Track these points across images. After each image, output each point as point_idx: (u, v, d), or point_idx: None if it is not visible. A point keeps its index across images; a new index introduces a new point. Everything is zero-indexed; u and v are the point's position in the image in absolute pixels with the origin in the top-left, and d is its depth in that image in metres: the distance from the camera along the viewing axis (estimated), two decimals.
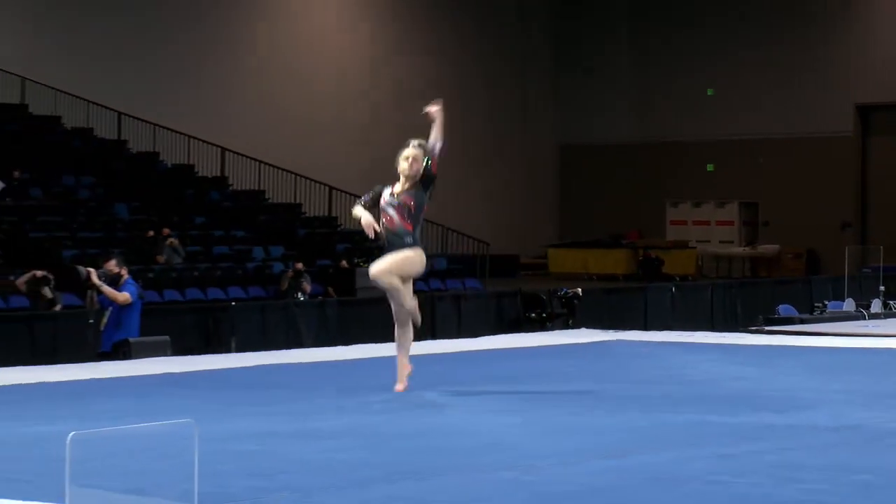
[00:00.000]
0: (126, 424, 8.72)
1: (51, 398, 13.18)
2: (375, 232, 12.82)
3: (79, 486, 6.28)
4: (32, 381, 14.40)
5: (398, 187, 12.99)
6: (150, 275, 25.99)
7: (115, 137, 35.49)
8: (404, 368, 12.88)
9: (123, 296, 19.64)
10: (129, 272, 20.16)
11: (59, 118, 35.20)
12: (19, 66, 35.31)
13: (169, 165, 35.13)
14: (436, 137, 12.95)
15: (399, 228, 12.78)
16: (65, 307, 23.69)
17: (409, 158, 12.97)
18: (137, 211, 31.19)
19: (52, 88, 35.26)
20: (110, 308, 19.84)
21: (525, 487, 8.49)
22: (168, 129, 35.68)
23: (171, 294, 26.77)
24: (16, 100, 35.39)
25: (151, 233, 29.08)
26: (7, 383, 14.23)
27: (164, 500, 7.07)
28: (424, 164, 12.89)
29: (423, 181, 12.93)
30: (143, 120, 35.71)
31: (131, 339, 19.39)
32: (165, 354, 18.87)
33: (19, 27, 36.95)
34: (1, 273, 25.29)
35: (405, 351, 12.91)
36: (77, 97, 35.23)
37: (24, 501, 7.81)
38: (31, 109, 35.33)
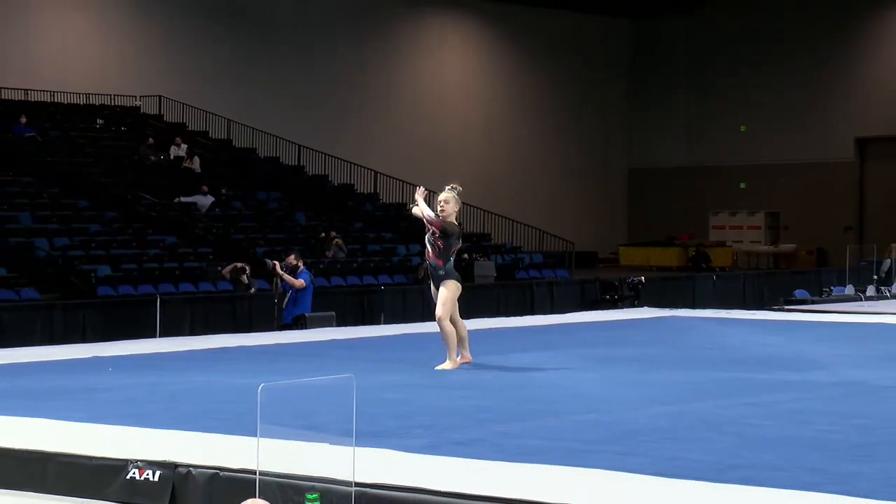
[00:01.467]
0: (302, 378, 8.77)
1: (247, 358, 13.28)
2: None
3: (267, 424, 6.32)
4: (234, 345, 14.53)
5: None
6: (321, 266, 26.11)
7: (296, 164, 35.72)
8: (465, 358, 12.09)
9: (299, 282, 19.74)
10: (305, 264, 20.27)
11: (254, 149, 35.49)
12: (226, 110, 35.67)
13: (335, 184, 35.29)
14: (425, 209, 12.14)
15: (433, 262, 12.08)
16: (257, 290, 23.87)
17: (440, 201, 12.14)
18: (312, 218, 31.36)
19: (250, 127, 35.56)
20: (290, 291, 19.96)
21: (602, 427, 8.44)
22: (335, 157, 35.86)
23: (336, 280, 26.88)
24: (223, 136, 35.73)
25: (322, 234, 29.22)
26: (216, 346, 14.36)
27: (330, 435, 7.09)
28: (440, 221, 11.92)
29: (443, 231, 12.01)
30: (316, 150, 35.91)
31: (306, 314, 19.50)
32: (331, 326, 18.95)
33: (226, 81, 37.31)
34: (211, 265, 25.52)
35: (464, 345, 12.14)
36: (268, 133, 35.51)
37: (229, 435, 7.87)
38: (234, 143, 35.66)
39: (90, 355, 13.34)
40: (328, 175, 35.64)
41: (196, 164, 31.74)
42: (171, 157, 32.11)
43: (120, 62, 36.00)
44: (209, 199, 29.77)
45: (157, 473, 7.10)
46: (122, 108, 35.14)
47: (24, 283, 22.63)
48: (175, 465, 7.09)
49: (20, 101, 32.57)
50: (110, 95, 35.05)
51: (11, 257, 23.47)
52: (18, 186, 27.99)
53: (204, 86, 36.61)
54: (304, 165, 35.87)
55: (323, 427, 7.21)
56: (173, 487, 7.05)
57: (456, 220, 12.37)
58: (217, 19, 37.83)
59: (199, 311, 22.11)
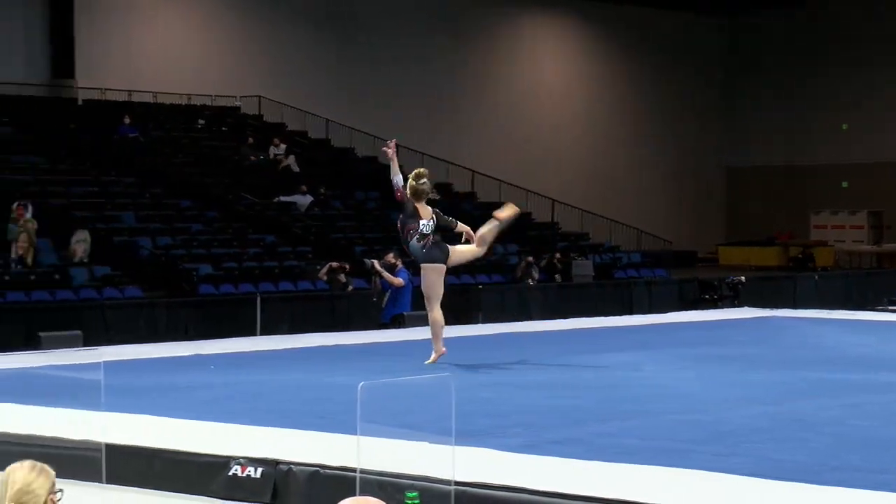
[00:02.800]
0: (400, 377, 8.85)
1: (346, 356, 13.39)
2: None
3: (366, 422, 6.39)
4: (332, 344, 14.66)
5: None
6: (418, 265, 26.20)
7: None
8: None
9: (398, 280, 19.84)
10: (403, 263, 20.38)
11: (353, 149, 35.71)
12: (325, 110, 35.93)
13: (433, 183, 35.41)
14: (394, 172, 12.21)
15: (408, 248, 12.30)
16: (355, 289, 24.03)
17: None
18: None
19: (348, 127, 35.79)
20: (389, 290, 20.06)
21: (699, 427, 8.42)
22: (431, 156, 35.97)
23: None
24: (322, 136, 36.00)
25: None
26: (314, 345, 14.50)
27: (429, 433, 7.16)
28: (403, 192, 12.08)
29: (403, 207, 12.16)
30: (413, 150, 36.07)
31: (405, 313, 19.58)
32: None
33: (324, 81, 37.59)
34: (310, 264, 25.73)
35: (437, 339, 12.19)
36: (365, 133, 35.72)
37: (329, 433, 7.97)
38: (333, 143, 35.91)
39: (192, 353, 13.55)
40: None
41: (293, 163, 32.01)
42: (271, 156, 32.43)
43: (221, 63, 36.43)
44: (308, 199, 30.03)
45: (259, 470, 7.22)
46: (223, 108, 35.57)
47: (128, 281, 23.01)
48: (276, 463, 7.21)
49: (124, 103, 33.10)
50: (211, 96, 35.50)
51: (116, 256, 23.87)
52: (122, 187, 28.46)
53: (303, 86, 36.92)
54: (401, 164, 36.02)
55: (421, 425, 7.27)
56: (275, 484, 7.16)
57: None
58: (317, 20, 38.13)
59: (299, 309, 22.33)
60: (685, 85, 46.92)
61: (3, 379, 10.78)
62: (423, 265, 12.20)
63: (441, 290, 12.18)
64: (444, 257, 12.19)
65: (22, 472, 4.52)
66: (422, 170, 12.39)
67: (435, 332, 12.14)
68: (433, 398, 6.87)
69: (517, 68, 43.18)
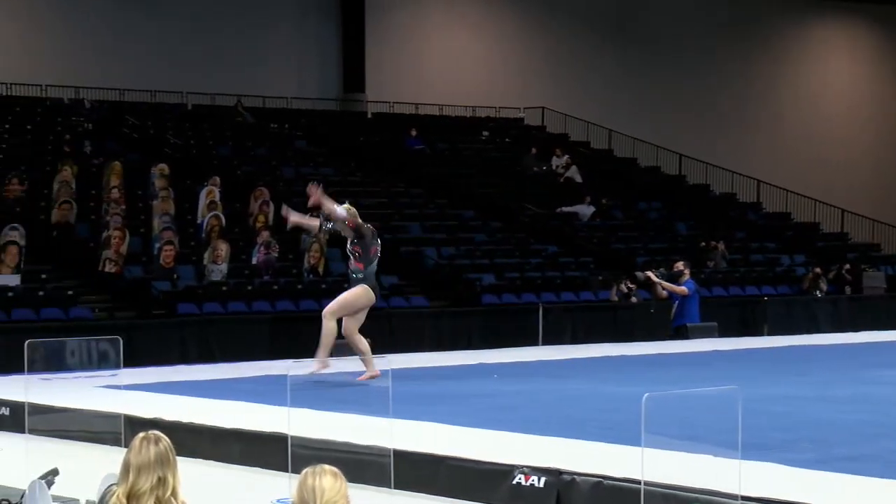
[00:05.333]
0: (685, 389, 8.72)
1: (629, 367, 13.32)
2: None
3: (651, 433, 6.32)
4: (616, 354, 14.59)
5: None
6: (702, 276, 25.84)
7: (677, 173, 35.49)
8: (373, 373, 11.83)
9: (681, 289, 19.62)
10: (691, 272, 20.15)
11: (635, 160, 35.49)
12: (607, 120, 35.83)
13: (717, 194, 34.82)
14: (331, 208, 12.01)
15: (353, 267, 12.16)
16: (640, 300, 23.82)
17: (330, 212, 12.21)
18: (693, 228, 31.07)
19: (631, 137, 35.61)
20: (676, 301, 19.87)
21: None
22: (714, 165, 35.43)
23: (718, 290, 26.51)
24: (604, 146, 35.93)
25: (702, 244, 28.94)
26: (598, 355, 14.47)
27: (714, 446, 7.02)
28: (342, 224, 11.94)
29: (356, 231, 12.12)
30: (697, 160, 35.60)
31: (689, 324, 19.34)
32: (713, 336, 18.75)
33: (606, 91, 37.49)
34: (593, 274, 25.66)
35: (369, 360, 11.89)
36: (648, 143, 35.46)
37: (612, 443, 7.91)
38: (615, 153, 35.77)
39: (476, 362, 13.71)
40: (709, 184, 35.24)
41: (575, 173, 32.06)
42: (553, 167, 32.57)
43: (505, 76, 36.81)
44: (590, 209, 30.00)
45: (543, 480, 7.22)
46: (506, 120, 35.91)
47: (414, 290, 23.43)
48: (560, 472, 7.19)
49: (411, 116, 33.81)
50: (495, 108, 35.88)
51: (402, 266, 24.34)
52: (409, 197, 29.04)
53: (585, 97, 36.94)
54: (685, 175, 35.61)
55: (706, 438, 7.15)
56: (558, 494, 7.15)
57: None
58: (599, 31, 38.10)
59: (581, 319, 22.29)
60: None
61: (298, 385, 11.13)
62: (372, 288, 12.21)
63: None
64: None
65: (327, 479, 4.70)
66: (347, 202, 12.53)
67: (325, 343, 11.98)
68: (719, 411, 6.74)
69: (804, 75, 42.11)
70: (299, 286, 21.42)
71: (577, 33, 37.78)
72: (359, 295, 12.02)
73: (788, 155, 40.38)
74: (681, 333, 19.05)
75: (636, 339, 19.19)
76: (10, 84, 28.89)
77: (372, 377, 11.71)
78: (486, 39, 37.04)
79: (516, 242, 27.49)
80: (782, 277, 28.05)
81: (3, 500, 6.87)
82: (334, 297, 11.89)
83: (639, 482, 6.41)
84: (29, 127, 26.87)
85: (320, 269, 21.80)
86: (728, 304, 24.69)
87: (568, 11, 37.72)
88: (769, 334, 21.47)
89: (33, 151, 25.11)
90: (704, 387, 9.22)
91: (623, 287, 23.31)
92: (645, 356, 14.44)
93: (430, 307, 22.55)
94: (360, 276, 12.03)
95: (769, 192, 35.44)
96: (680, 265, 19.94)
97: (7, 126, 26.65)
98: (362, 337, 12.06)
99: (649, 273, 20.86)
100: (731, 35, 40.06)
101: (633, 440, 6.78)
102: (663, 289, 20.54)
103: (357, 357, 11.88)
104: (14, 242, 18.74)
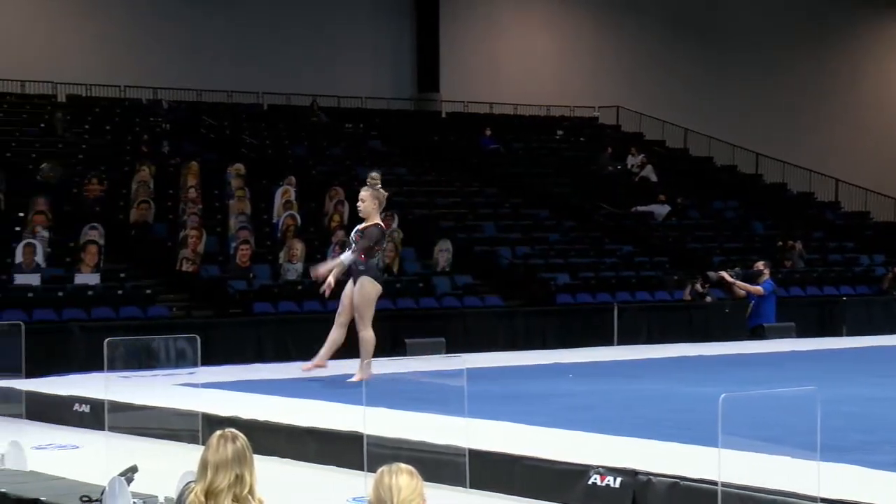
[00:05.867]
0: (763, 389, 8.65)
1: (705, 367, 13.25)
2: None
3: (728, 434, 6.28)
4: (692, 354, 14.52)
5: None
6: (779, 275, 25.62)
7: (753, 172, 35.22)
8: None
9: (756, 289, 19.50)
10: (771, 272, 20.01)
11: (711, 158, 35.28)
12: (682, 119, 35.63)
13: (794, 193, 34.54)
14: (347, 258, 11.80)
15: (355, 258, 11.84)
16: (715, 300, 23.66)
17: (358, 201, 12.03)
18: (770, 227, 30.82)
19: (706, 136, 35.39)
20: (753, 301, 19.73)
21: None
22: (792, 164, 35.13)
23: (795, 290, 26.28)
24: (680, 145, 35.74)
25: (780, 243, 28.70)
26: (673, 355, 14.40)
27: (792, 448, 6.96)
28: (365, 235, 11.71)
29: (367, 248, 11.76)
30: (773, 158, 35.32)
31: (765, 325, 19.19)
32: (791, 336, 18.59)
33: (681, 89, 37.28)
34: (668, 274, 25.52)
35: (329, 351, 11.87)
36: (724, 142, 35.23)
37: (688, 444, 7.88)
38: (691, 152, 35.58)
39: (551, 361, 13.69)
40: (786, 183, 34.95)
41: (650, 172, 31.92)
42: (628, 166, 32.45)
43: (579, 75, 36.72)
44: (665, 209, 29.85)
45: (618, 480, 7.20)
46: (581, 119, 35.84)
47: (488, 290, 23.43)
48: (635, 473, 7.17)
49: (485, 115, 33.84)
50: (569, 107, 35.82)
51: (477, 265, 24.36)
52: (484, 197, 29.06)
53: (660, 95, 36.77)
54: (761, 173, 35.33)
55: (784, 439, 7.09)
56: (633, 495, 7.13)
57: (377, 214, 12.14)
58: (673, 28, 37.90)
59: (656, 319, 22.19)
60: None
61: (375, 384, 11.18)
62: (374, 280, 11.95)
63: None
64: None
65: (403, 477, 4.72)
66: (373, 173, 12.34)
67: (367, 351, 11.82)
68: (797, 412, 6.68)
69: (883, 73, 41.64)
70: None
71: (652, 31, 37.60)
72: (368, 292, 11.97)
73: (867, 154, 39.95)
74: (757, 334, 18.92)
75: (711, 339, 19.07)
76: (90, 85, 29.27)
77: (361, 380, 11.68)
78: (559, 38, 36.98)
79: (591, 242, 27.42)
80: (861, 277, 27.75)
81: (84, 496, 6.98)
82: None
83: (715, 483, 6.38)
84: (108, 127, 27.21)
85: (395, 268, 21.87)
86: (806, 305, 24.45)
87: (642, 10, 37.55)
88: (847, 335, 21.22)
89: (112, 152, 25.43)
90: (782, 387, 9.15)
91: (697, 287, 23.15)
92: (723, 356, 14.34)
93: (504, 307, 22.55)
94: (362, 267, 11.93)
95: (848, 191, 35.08)
96: (760, 265, 19.82)
97: (86, 127, 27.02)
98: (373, 333, 12.05)
99: (723, 273, 20.72)
100: (809, 33, 39.69)
101: (710, 441, 6.74)
102: (739, 288, 20.42)
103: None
104: (94, 242, 18.98)
